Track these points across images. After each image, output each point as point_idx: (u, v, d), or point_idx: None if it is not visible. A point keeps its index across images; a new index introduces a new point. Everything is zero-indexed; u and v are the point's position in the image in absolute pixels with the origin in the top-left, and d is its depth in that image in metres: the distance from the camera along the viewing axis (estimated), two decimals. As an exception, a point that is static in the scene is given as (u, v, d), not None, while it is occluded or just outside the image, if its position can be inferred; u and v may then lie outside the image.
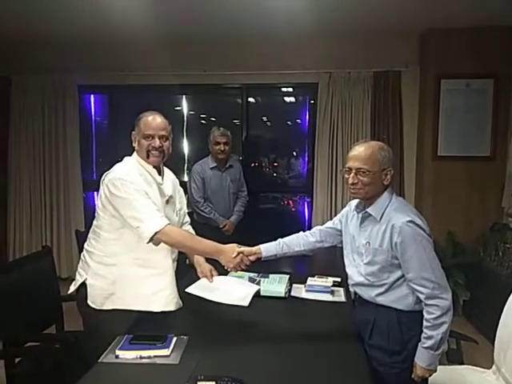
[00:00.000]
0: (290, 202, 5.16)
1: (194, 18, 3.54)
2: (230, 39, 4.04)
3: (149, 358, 1.53)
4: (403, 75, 4.01)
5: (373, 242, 1.61)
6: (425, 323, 1.52)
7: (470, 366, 1.95)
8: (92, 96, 4.69)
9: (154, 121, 1.88)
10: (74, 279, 1.96)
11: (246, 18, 3.50)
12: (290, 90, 4.59)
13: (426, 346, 1.51)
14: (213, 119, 5.01)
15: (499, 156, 3.79)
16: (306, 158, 4.57)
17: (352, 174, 1.60)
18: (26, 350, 1.97)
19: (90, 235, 1.91)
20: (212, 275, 1.96)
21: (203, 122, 5.00)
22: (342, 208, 4.25)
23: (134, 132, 1.92)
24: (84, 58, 4.23)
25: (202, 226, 3.36)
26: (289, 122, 5.14)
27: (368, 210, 1.64)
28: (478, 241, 3.69)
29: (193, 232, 2.13)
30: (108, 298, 1.82)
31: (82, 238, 2.82)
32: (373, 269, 1.62)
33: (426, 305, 1.52)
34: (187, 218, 2.21)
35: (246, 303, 1.75)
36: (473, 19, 3.51)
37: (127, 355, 1.54)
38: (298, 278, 2.34)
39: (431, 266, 1.50)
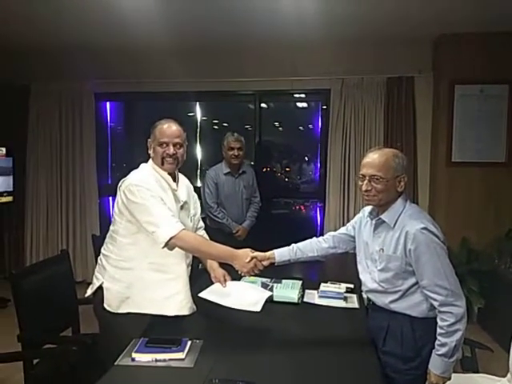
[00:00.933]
0: (302, 207, 5.17)
1: (208, 26, 3.59)
2: (243, 47, 4.09)
3: (164, 361, 1.56)
4: (416, 81, 4.00)
5: (386, 249, 1.62)
6: (439, 330, 1.51)
7: (485, 375, 1.93)
8: (108, 103, 4.78)
9: (169, 129, 1.92)
10: (89, 283, 2.00)
11: (258, 25, 3.54)
12: (303, 95, 4.61)
13: (439, 353, 1.51)
14: (225, 125, 5.06)
15: (515, 162, 3.75)
16: (319, 164, 4.58)
17: (366, 181, 1.61)
18: (44, 352, 2.02)
19: (106, 240, 1.95)
20: (225, 280, 1.99)
21: (216, 127, 5.06)
22: (355, 213, 4.27)
23: (149, 139, 1.96)
24: (100, 66, 4.33)
25: (215, 231, 3.39)
26: (301, 128, 5.16)
27: (382, 216, 1.65)
28: (493, 247, 3.65)
29: (207, 237, 2.16)
30: (124, 301, 1.85)
31: (97, 242, 2.88)
32: (387, 275, 1.62)
33: (439, 312, 1.51)
34: (201, 224, 2.24)
35: (258, 308, 1.77)
36: (486, 24, 3.49)
37: (143, 358, 1.56)
38: (310, 283, 2.35)
39: (445, 273, 1.51)
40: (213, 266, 2.04)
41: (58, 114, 4.46)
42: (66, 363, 1.90)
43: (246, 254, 1.83)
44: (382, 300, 1.66)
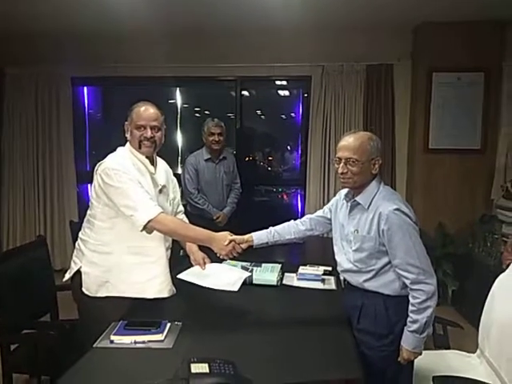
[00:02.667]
0: (284, 194, 5.21)
1: (188, 9, 3.53)
2: (225, 31, 4.04)
3: (143, 342, 1.57)
4: (395, 68, 4.04)
5: (361, 230, 1.66)
6: (410, 307, 1.57)
7: (456, 351, 2.02)
8: (85, 88, 4.67)
9: (146, 111, 1.90)
10: (66, 270, 1.99)
11: (240, 10, 3.50)
12: (284, 83, 4.61)
13: (411, 329, 1.56)
14: (206, 112, 5.02)
15: (489, 149, 3.85)
16: (300, 151, 4.61)
17: (342, 164, 1.65)
18: (22, 336, 2.00)
19: (84, 224, 1.94)
20: (205, 263, 2.00)
21: (197, 114, 5.01)
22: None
23: (126, 122, 1.94)
24: (78, 49, 4.21)
25: (196, 217, 3.38)
26: (283, 116, 5.16)
27: (357, 198, 1.69)
28: (467, 232, 3.76)
29: (186, 221, 2.16)
30: (102, 285, 1.85)
31: (76, 228, 2.83)
32: (361, 255, 1.67)
33: (411, 290, 1.57)
34: (181, 208, 2.24)
35: (235, 288, 1.80)
36: (464, 14, 3.54)
37: (122, 340, 1.57)
38: (289, 266, 2.39)
39: (417, 253, 1.56)
40: (192, 249, 2.05)
41: (34, 99, 4.34)
42: (43, 348, 1.89)
43: (225, 236, 1.84)
44: (356, 279, 1.70)
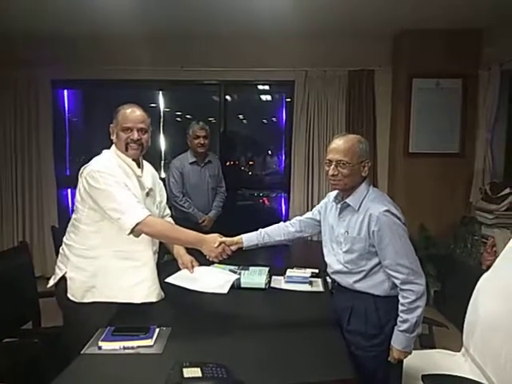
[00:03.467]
0: (267, 198, 5.22)
1: (172, 13, 3.52)
2: (208, 36, 4.04)
3: (132, 348, 1.54)
4: (377, 74, 4.12)
5: (351, 231, 1.68)
6: (400, 307, 1.59)
7: (442, 350, 2.06)
8: (66, 91, 4.59)
9: (132, 113, 1.88)
10: (48, 277, 1.94)
11: (224, 14, 3.52)
12: (267, 87, 4.63)
13: (401, 329, 1.59)
14: (188, 116, 5.00)
15: (468, 153, 3.96)
16: (283, 155, 4.63)
17: (332, 166, 1.66)
18: (3, 345, 1.94)
19: (68, 229, 1.90)
20: (193, 266, 1.98)
21: (179, 119, 4.99)
22: (319, 202, 4.36)
23: (112, 124, 1.91)
24: (58, 51, 4.14)
25: (181, 220, 3.33)
26: (265, 120, 5.19)
27: (347, 200, 1.70)
28: (449, 234, 3.84)
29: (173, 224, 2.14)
30: (88, 290, 1.81)
31: (58, 234, 2.79)
32: (351, 256, 1.68)
33: (401, 290, 1.59)
34: (167, 211, 2.22)
35: (225, 290, 1.79)
36: (444, 22, 3.64)
37: (110, 346, 1.54)
38: (276, 270, 2.38)
39: (406, 253, 1.58)
40: (180, 252, 2.03)
41: (13, 102, 4.22)
42: (26, 356, 1.84)
43: (214, 238, 1.84)
44: (346, 280, 1.72)
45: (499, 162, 3.89)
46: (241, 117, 5.07)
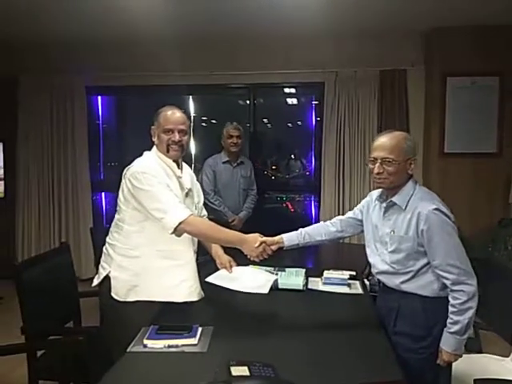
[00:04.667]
0: (297, 201, 5.19)
1: (201, 18, 3.57)
2: (237, 39, 4.08)
3: (176, 347, 1.55)
4: (409, 74, 4.06)
5: (398, 231, 1.64)
6: (451, 309, 1.54)
7: (489, 355, 1.98)
8: (99, 97, 4.71)
9: (173, 115, 1.90)
10: (83, 279, 1.98)
11: (252, 17, 3.54)
12: (296, 89, 4.62)
13: (452, 331, 1.54)
14: (213, 121, 5.05)
15: (505, 152, 3.84)
16: (313, 158, 4.60)
17: (377, 164, 1.62)
18: (50, 342, 1.99)
19: (112, 229, 1.93)
20: (231, 266, 1.98)
21: (204, 124, 5.04)
22: (350, 206, 4.32)
23: (153, 127, 1.94)
24: (92, 59, 4.27)
25: (211, 220, 3.43)
26: (293, 123, 5.18)
27: (393, 199, 1.66)
28: (486, 236, 3.72)
29: None
30: (131, 289, 1.83)
31: (96, 235, 2.86)
32: (398, 257, 1.64)
33: (451, 290, 1.54)
34: (204, 212, 2.24)
35: (265, 291, 1.78)
36: (478, 18, 3.56)
37: (155, 345, 1.56)
38: (311, 271, 2.36)
39: (457, 253, 1.54)
40: (218, 252, 2.04)
41: (49, 108, 4.38)
42: (71, 354, 1.88)
43: (255, 238, 1.83)
44: (393, 281, 1.68)
45: (539, 161, 3.75)
46: (270, 119, 5.07)
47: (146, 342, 1.57)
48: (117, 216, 1.91)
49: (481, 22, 3.64)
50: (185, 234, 1.82)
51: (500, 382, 1.56)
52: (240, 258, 2.03)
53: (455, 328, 1.53)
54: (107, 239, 1.94)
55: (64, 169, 4.42)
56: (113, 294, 1.84)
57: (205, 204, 3.32)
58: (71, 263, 2.36)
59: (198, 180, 3.46)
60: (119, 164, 4.79)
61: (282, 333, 1.70)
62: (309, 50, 4.11)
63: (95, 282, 1.91)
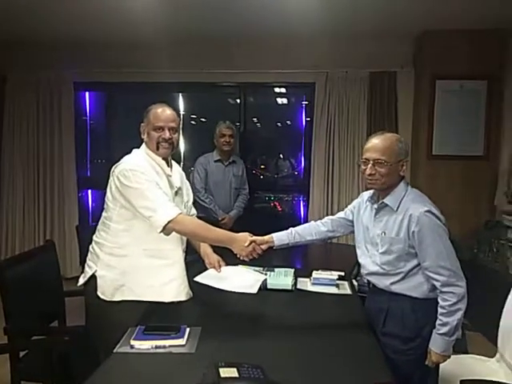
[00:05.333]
0: (285, 201, 5.20)
1: (192, 15, 3.54)
2: (228, 38, 4.05)
3: (164, 347, 1.53)
4: (399, 75, 4.08)
5: (389, 232, 1.64)
6: (440, 310, 1.55)
7: (475, 355, 2.00)
8: (87, 93, 4.64)
9: (163, 113, 1.87)
10: (68, 278, 1.94)
11: (244, 17, 3.52)
12: (287, 89, 4.62)
13: (441, 332, 1.54)
14: (203, 120, 5.02)
15: (492, 155, 3.88)
16: (303, 158, 4.61)
17: (369, 165, 1.63)
18: (35, 342, 1.95)
19: (99, 227, 1.90)
20: (220, 266, 1.96)
21: (192, 122, 5.01)
22: (339, 206, 4.32)
23: (142, 124, 1.91)
24: (80, 54, 4.19)
25: (200, 219, 3.41)
26: (282, 123, 5.18)
27: (384, 200, 1.67)
28: (472, 238, 3.77)
29: None
30: (118, 289, 1.80)
31: (83, 233, 2.82)
32: (389, 258, 1.65)
33: (441, 292, 1.55)
34: (194, 211, 2.21)
35: (254, 290, 1.76)
36: (467, 22, 3.59)
37: (142, 345, 1.53)
38: (300, 272, 2.35)
39: (447, 255, 1.55)
40: (207, 251, 2.02)
41: (36, 104, 4.29)
42: (55, 354, 1.84)
43: (245, 237, 1.82)
44: (383, 282, 1.68)
45: (525, 164, 3.80)
46: (259, 119, 5.06)
47: (132, 342, 1.54)
48: (104, 214, 1.87)
49: (471, 26, 3.67)
50: (173, 233, 1.80)
51: (485, 382, 1.57)
52: (229, 257, 2.01)
53: (444, 329, 1.54)
54: (94, 237, 1.90)
55: (50, 165, 4.35)
56: (99, 294, 1.80)
57: (195, 202, 3.33)
58: (56, 261, 2.32)
59: (188, 178, 3.48)
60: (106, 161, 4.72)
61: (270, 333, 1.69)
62: (300, 50, 4.11)
63: (81, 281, 1.87)
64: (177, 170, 2.05)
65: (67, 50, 4.17)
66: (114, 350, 1.51)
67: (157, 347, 1.53)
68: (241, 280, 1.86)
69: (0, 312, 1.91)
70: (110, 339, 1.59)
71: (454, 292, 1.53)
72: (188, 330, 1.63)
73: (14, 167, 4.35)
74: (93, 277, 1.83)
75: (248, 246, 1.81)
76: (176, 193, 1.95)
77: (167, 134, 1.85)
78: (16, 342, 1.89)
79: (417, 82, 4.07)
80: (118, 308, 1.79)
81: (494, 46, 3.79)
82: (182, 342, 1.56)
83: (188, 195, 2.13)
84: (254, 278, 1.89)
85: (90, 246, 1.91)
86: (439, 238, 1.55)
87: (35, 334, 2.00)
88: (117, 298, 1.80)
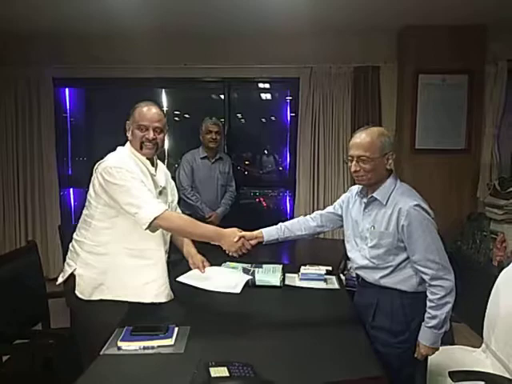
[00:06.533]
0: (270, 197, 5.19)
1: (175, 10, 3.47)
2: (212, 33, 4.00)
3: (152, 348, 1.50)
4: (382, 70, 4.10)
5: (378, 226, 1.65)
6: (429, 303, 1.56)
7: (462, 346, 2.03)
8: (67, 89, 4.53)
9: (149, 111, 1.82)
10: (51, 279, 1.90)
11: (227, 11, 3.48)
12: (270, 85, 4.60)
13: (429, 325, 1.56)
14: (186, 116, 4.96)
15: (474, 148, 3.94)
16: (288, 153, 4.60)
17: (354, 162, 1.64)
18: (18, 347, 1.89)
19: (79, 225, 1.85)
20: (204, 266, 1.93)
21: (176, 118, 4.94)
22: (324, 200, 4.33)
23: (128, 121, 1.87)
24: (59, 49, 4.09)
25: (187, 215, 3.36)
26: (266, 119, 5.16)
27: (374, 194, 1.68)
28: (455, 230, 3.82)
29: None
30: (97, 288, 1.76)
31: (65, 232, 2.75)
32: (378, 252, 1.65)
33: (430, 285, 1.56)
34: (178, 210, 2.16)
35: (237, 290, 1.74)
36: (449, 17, 3.62)
37: (130, 346, 1.50)
38: (288, 267, 2.35)
39: (436, 248, 1.56)
40: (190, 252, 1.98)
41: (14, 100, 4.16)
42: (40, 358, 1.79)
43: (234, 233, 1.80)
44: (372, 276, 1.69)
45: (506, 157, 3.88)
46: (244, 114, 5.02)
47: (120, 344, 1.51)
48: (85, 212, 1.83)
49: (453, 22, 3.70)
50: (157, 233, 1.77)
51: (473, 373, 1.60)
52: (213, 257, 1.99)
53: (433, 322, 1.55)
54: (74, 235, 1.86)
55: (30, 163, 4.23)
56: (77, 293, 1.76)
57: (181, 199, 3.30)
58: (39, 262, 2.26)
59: (173, 175, 3.44)
60: (88, 159, 4.62)
61: (260, 331, 1.68)
62: (284, 45, 4.08)
63: (60, 280, 1.83)
64: (162, 169, 2.01)
65: (45, 45, 4.06)
66: (101, 352, 1.47)
67: (145, 348, 1.51)
68: (224, 280, 1.83)
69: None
70: (92, 339, 1.56)
71: (442, 285, 1.54)
72: (176, 329, 1.61)
73: (-9, 166, 4.23)
74: (72, 276, 1.78)
75: (237, 241, 1.78)
76: (160, 192, 1.91)
77: (151, 134, 1.81)
78: (-2, 347, 1.83)
79: (400, 76, 4.10)
80: (97, 308, 1.75)
81: (475, 40, 3.83)
82: (170, 342, 1.53)
83: (173, 195, 2.08)
84: (238, 278, 1.86)
85: (70, 245, 1.87)
86: (428, 232, 1.56)
87: (18, 338, 1.94)
88: (95, 298, 1.76)
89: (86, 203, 1.83)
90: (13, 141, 4.21)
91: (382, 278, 1.65)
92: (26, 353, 1.88)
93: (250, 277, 2.04)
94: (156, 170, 1.92)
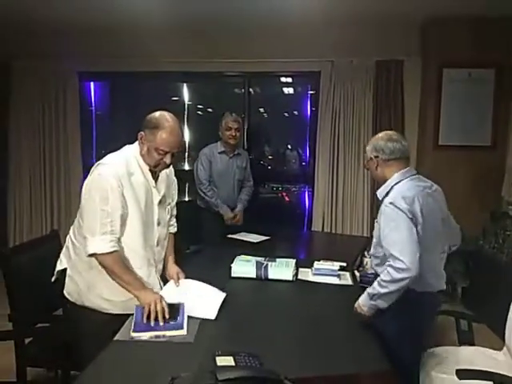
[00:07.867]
0: (292, 192, 5.19)
1: (198, 4, 3.50)
2: (233, 27, 3.99)
3: (164, 336, 1.55)
4: (405, 64, 4.01)
5: (377, 219, 1.85)
6: (377, 279, 1.72)
7: (481, 348, 1.99)
8: (92, 83, 4.65)
9: (171, 137, 1.70)
10: None
11: (250, 5, 3.47)
12: (293, 78, 4.58)
13: (368, 291, 1.74)
14: (209, 110, 5.00)
15: (499, 145, 3.82)
16: (308, 148, 4.58)
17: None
18: (39, 329, 1.98)
19: (75, 223, 1.82)
20: (179, 278, 1.91)
21: (199, 112, 4.99)
22: (344, 196, 4.30)
23: (142, 132, 1.73)
24: (85, 44, 4.17)
25: (203, 211, 3.43)
26: (288, 113, 5.14)
27: (377, 192, 1.91)
28: (477, 228, 3.73)
29: (175, 228, 2.09)
30: (82, 296, 1.76)
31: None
32: (374, 242, 1.87)
33: (386, 266, 1.68)
34: (175, 211, 2.09)
35: (212, 316, 1.69)
36: (475, 9, 3.50)
37: (142, 334, 1.55)
38: (302, 262, 2.36)
39: (402, 245, 1.64)
40: (167, 261, 1.97)
41: (41, 93, 4.30)
42: (59, 341, 1.87)
43: (153, 296, 1.69)
44: (373, 263, 1.90)
45: (533, 155, 3.74)
46: (263, 109, 5.02)
47: (132, 334, 1.55)
48: (79, 210, 1.77)
49: (479, 13, 3.58)
50: (139, 252, 1.77)
51: (482, 373, 1.56)
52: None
53: (370, 290, 1.73)
54: (70, 232, 1.84)
55: (56, 155, 4.37)
56: (65, 293, 1.79)
57: (198, 195, 3.33)
58: (60, 250, 2.33)
59: (193, 168, 3.49)
60: (112, 150, 4.70)
61: (270, 323, 1.71)
62: (306, 38, 4.04)
63: (53, 279, 1.84)
64: (163, 176, 1.91)
65: (70, 39, 4.14)
66: (115, 338, 1.53)
67: (157, 336, 1.55)
68: (200, 301, 1.76)
69: (5, 299, 1.95)
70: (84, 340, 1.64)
71: (390, 273, 1.64)
72: (186, 319, 1.64)
73: (20, 157, 4.38)
74: (63, 272, 1.79)
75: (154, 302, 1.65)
76: (160, 201, 1.86)
77: (169, 160, 1.74)
78: (21, 329, 1.92)
79: (424, 70, 4.00)
80: (85, 313, 1.75)
81: (502, 33, 3.69)
82: (182, 332, 1.57)
83: (172, 195, 2.01)
84: (213, 299, 1.79)
85: (67, 239, 1.85)
86: (395, 229, 1.67)
87: (39, 322, 2.03)
88: (81, 303, 1.76)
89: (81, 204, 1.76)
90: (40, 132, 4.35)
91: (376, 266, 1.85)
92: (47, 336, 1.95)
93: (225, 294, 1.85)
94: (157, 180, 1.84)
